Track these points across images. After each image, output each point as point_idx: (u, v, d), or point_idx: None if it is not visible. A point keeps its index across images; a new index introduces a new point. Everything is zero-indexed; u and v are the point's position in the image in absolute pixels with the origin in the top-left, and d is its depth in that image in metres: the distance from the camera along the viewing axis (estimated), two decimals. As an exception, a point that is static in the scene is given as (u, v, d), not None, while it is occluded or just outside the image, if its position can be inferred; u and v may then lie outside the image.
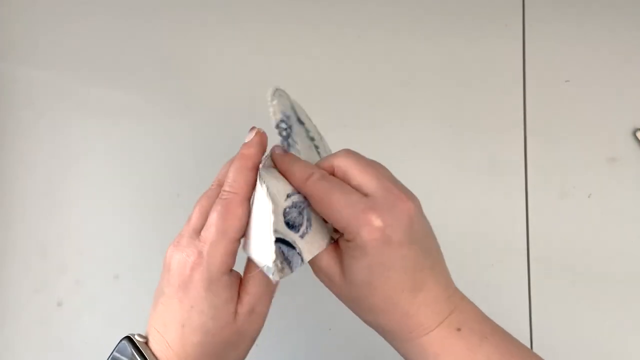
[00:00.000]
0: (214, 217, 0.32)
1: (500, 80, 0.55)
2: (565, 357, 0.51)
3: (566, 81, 0.55)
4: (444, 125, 0.54)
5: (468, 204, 0.53)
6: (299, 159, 0.34)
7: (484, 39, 0.56)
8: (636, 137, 0.53)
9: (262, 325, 0.35)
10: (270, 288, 0.34)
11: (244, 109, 0.55)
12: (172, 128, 0.54)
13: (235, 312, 0.33)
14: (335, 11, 0.56)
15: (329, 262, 0.33)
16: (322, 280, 0.34)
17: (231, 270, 0.33)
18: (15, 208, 0.53)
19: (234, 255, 0.33)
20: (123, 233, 0.52)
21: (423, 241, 0.32)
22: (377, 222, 0.30)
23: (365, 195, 0.32)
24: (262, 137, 0.34)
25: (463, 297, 0.34)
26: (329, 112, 0.54)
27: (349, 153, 0.34)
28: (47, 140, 0.54)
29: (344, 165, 0.33)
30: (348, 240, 0.31)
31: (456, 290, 0.34)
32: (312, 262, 0.34)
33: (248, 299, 0.33)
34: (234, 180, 0.33)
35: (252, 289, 0.33)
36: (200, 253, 0.32)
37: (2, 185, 0.53)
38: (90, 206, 0.53)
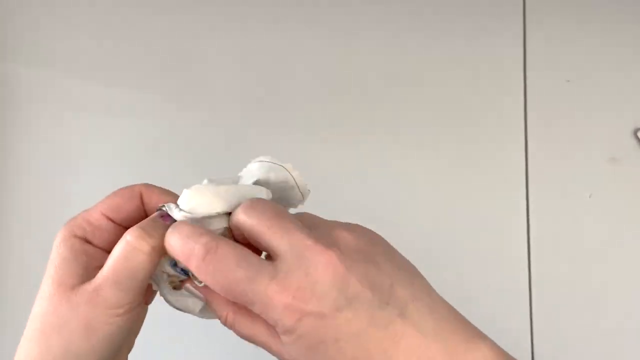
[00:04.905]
0: None
1: (500, 80, 0.55)
2: (566, 358, 0.51)
3: (567, 81, 0.55)
4: (444, 125, 0.54)
5: (468, 204, 0.53)
6: (182, 224, 0.26)
7: (484, 39, 0.56)
8: (636, 137, 0.53)
9: (119, 324, 0.26)
10: (138, 269, 0.25)
11: (244, 108, 0.55)
12: (173, 127, 0.54)
13: (74, 287, 0.26)
14: (334, 10, 0.56)
15: (270, 347, 0.26)
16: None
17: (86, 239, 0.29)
18: (15, 208, 0.53)
19: (89, 222, 0.30)
20: (123, 233, 0.52)
21: (372, 285, 0.24)
22: (294, 301, 0.23)
23: (276, 258, 0.24)
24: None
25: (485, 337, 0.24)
26: (328, 111, 0.54)
27: (251, 206, 0.26)
28: (47, 140, 0.54)
29: (243, 223, 0.25)
30: (272, 325, 0.24)
31: (477, 330, 0.24)
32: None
33: (99, 274, 0.26)
34: None
35: (110, 261, 0.26)
36: None
37: (2, 185, 0.53)
38: (90, 206, 0.53)
